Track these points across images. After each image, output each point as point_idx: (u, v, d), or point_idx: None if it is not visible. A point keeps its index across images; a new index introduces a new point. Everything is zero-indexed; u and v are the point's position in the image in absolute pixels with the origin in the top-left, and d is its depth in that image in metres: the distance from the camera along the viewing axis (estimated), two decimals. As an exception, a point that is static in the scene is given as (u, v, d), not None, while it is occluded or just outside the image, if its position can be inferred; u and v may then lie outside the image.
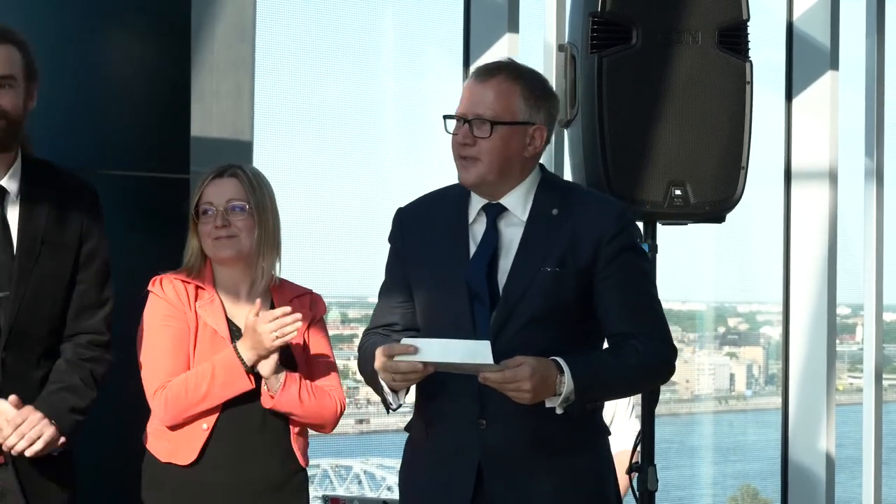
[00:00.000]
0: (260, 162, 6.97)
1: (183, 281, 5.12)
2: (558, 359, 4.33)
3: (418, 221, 4.69)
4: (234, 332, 5.08)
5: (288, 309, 4.93)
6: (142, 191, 5.99)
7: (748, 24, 5.48)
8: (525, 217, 4.57)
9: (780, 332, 9.41)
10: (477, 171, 4.52)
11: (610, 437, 6.55)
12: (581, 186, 4.86)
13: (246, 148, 6.94)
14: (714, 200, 5.41)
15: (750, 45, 5.51)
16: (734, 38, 5.44)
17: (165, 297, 5.09)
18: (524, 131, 4.54)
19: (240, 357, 4.94)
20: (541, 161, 4.65)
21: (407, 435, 4.76)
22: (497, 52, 8.12)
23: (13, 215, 4.74)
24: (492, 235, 4.57)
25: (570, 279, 4.50)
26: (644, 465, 5.25)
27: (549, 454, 4.51)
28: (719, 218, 5.51)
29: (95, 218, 4.93)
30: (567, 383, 4.31)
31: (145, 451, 5.16)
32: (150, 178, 5.83)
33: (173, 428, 5.07)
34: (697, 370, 15.89)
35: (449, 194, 4.68)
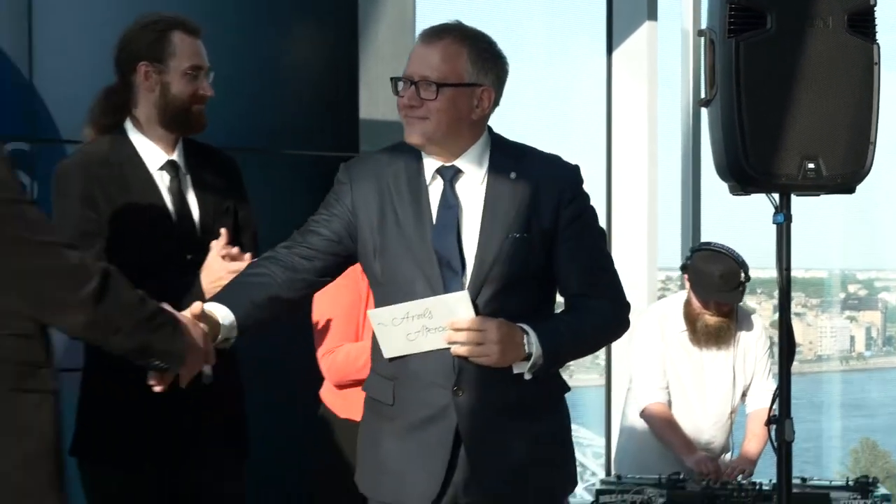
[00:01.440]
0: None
1: None
2: (522, 325, 4.17)
3: (369, 173, 4.38)
4: None
5: None
6: (316, 168, 6.03)
7: (875, 8, 5.43)
8: (482, 180, 4.33)
9: (898, 297, 9.37)
10: (423, 128, 4.26)
11: (748, 398, 6.60)
12: (531, 147, 4.51)
13: (409, 128, 6.99)
14: (845, 173, 5.34)
15: (877, 28, 5.46)
16: (862, 23, 5.38)
17: None
18: (471, 93, 4.29)
19: None
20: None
21: None
22: (637, 39, 8.15)
23: (187, 187, 4.83)
24: (452, 199, 4.32)
25: (537, 243, 4.32)
26: (781, 417, 5.20)
27: (519, 417, 4.33)
28: (850, 189, 5.44)
29: (242, 186, 5.01)
30: (535, 345, 4.16)
31: (320, 405, 5.20)
32: (324, 157, 5.87)
33: (339, 387, 5.11)
34: (820, 333, 15.88)
35: (401, 151, 4.39)
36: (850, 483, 6.24)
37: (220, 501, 4.86)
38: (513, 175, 4.32)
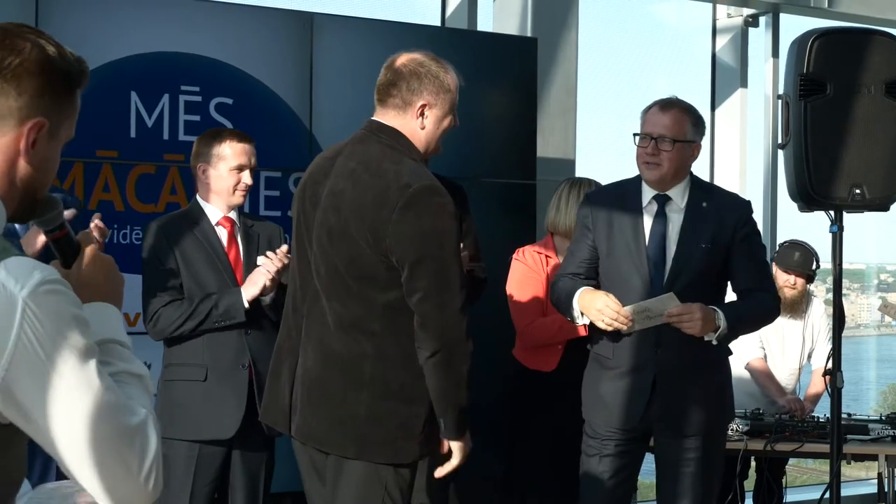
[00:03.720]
0: (579, 172, 6.98)
1: (538, 252, 5.10)
2: (713, 306, 4.26)
3: (603, 204, 4.46)
4: None
5: None
6: (505, 192, 5.99)
7: (905, 80, 5.28)
8: (683, 206, 4.40)
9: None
10: (659, 172, 4.35)
11: (812, 357, 6.45)
12: (718, 186, 4.67)
13: (571, 164, 6.92)
14: (882, 196, 5.22)
15: (907, 94, 5.31)
16: (895, 89, 5.24)
17: (525, 262, 5.08)
18: (690, 147, 4.42)
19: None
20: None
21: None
22: (733, 100, 8.03)
23: None
24: (662, 218, 4.39)
25: (717, 252, 4.38)
26: (834, 370, 5.11)
27: (699, 371, 4.40)
28: (885, 208, 5.33)
29: (466, 204, 4.85)
30: (722, 320, 4.23)
31: (513, 361, 5.13)
32: (511, 184, 5.83)
33: (533, 348, 5.05)
34: (859, 308, 15.66)
35: (626, 186, 4.47)
36: (883, 417, 6.07)
37: None
38: (704, 204, 4.40)
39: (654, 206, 4.41)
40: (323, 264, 3.58)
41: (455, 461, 3.65)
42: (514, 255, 5.11)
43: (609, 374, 4.42)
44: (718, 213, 4.41)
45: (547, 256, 5.10)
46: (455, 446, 3.64)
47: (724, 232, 4.40)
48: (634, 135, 4.44)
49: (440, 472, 3.68)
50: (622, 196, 4.46)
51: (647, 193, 4.43)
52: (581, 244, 4.50)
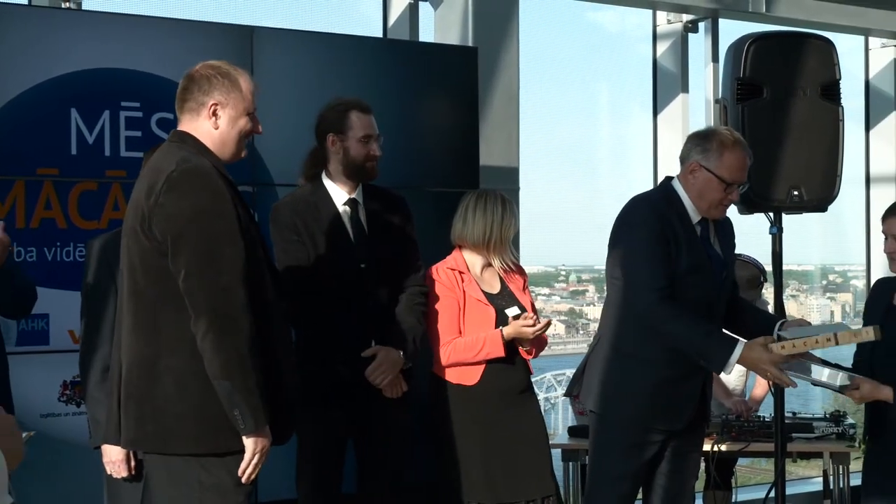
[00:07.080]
0: (523, 180, 7.02)
1: (451, 269, 5.04)
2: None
3: (664, 216, 4.43)
4: (488, 296, 5.05)
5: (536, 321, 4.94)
6: (449, 201, 5.96)
7: (840, 81, 5.37)
8: (711, 224, 4.53)
9: (863, 283, 9.21)
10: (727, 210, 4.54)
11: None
12: None
13: (514, 172, 6.97)
14: (820, 198, 5.31)
15: (841, 95, 5.39)
16: (831, 92, 5.32)
17: (440, 281, 4.99)
18: None
19: (503, 339, 4.94)
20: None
21: None
22: (674, 105, 8.12)
23: (363, 217, 4.76)
24: (707, 234, 4.50)
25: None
26: (776, 370, 5.16)
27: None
28: (823, 209, 5.41)
29: (408, 214, 4.90)
30: None
31: (433, 376, 5.08)
32: (454, 193, 5.80)
33: (449, 367, 5.02)
34: (809, 309, 15.72)
35: (672, 206, 4.48)
36: (827, 415, 6.15)
37: (389, 428, 4.77)
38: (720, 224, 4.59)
39: (699, 227, 4.50)
40: (124, 269, 3.64)
41: (248, 457, 3.53)
42: (429, 273, 5.04)
43: (657, 380, 4.51)
44: (724, 226, 4.61)
45: (461, 273, 5.04)
46: (248, 442, 3.52)
47: (733, 244, 4.68)
48: (731, 183, 4.42)
49: (240, 472, 3.55)
50: (677, 213, 4.47)
51: (695, 216, 4.49)
52: (660, 255, 4.44)
